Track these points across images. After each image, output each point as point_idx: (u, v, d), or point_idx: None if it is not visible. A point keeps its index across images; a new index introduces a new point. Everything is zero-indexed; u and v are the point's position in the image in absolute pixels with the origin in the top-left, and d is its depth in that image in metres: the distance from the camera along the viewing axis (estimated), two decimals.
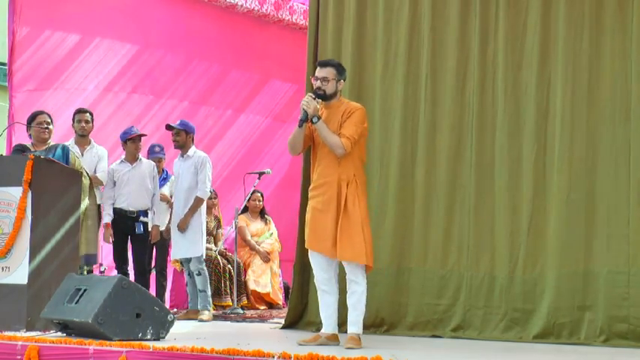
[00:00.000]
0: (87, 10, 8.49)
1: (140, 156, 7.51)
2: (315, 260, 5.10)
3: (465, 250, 5.78)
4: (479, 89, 5.86)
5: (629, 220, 5.31)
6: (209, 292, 7.33)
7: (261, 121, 10.16)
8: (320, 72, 5.11)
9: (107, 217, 7.26)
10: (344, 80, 5.19)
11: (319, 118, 4.99)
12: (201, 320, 7.03)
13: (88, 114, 7.27)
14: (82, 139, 7.18)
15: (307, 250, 6.29)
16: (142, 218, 7.35)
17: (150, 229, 7.41)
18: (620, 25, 5.45)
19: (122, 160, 7.44)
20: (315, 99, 5.01)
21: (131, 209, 7.30)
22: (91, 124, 7.26)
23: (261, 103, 10.13)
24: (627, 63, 5.40)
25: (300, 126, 5.02)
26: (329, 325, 5.04)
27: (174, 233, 7.34)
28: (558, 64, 5.61)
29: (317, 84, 5.08)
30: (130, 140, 7.40)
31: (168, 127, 7.42)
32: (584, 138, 5.50)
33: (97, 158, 7.19)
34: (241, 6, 9.69)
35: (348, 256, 4.95)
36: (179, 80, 9.35)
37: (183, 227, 7.19)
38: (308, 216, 5.15)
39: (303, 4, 10.08)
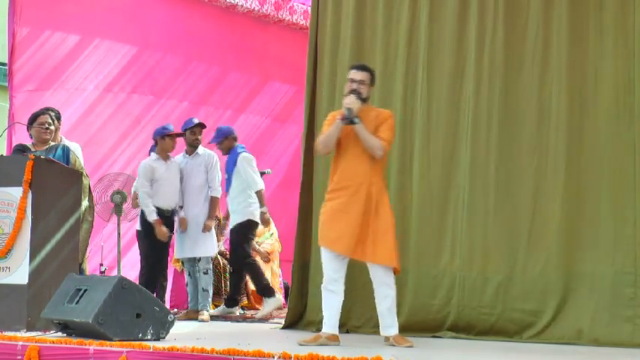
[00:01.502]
0: (87, 11, 8.49)
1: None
2: (329, 260, 5.08)
3: (464, 250, 5.77)
4: (475, 88, 5.86)
5: (635, 221, 5.31)
6: (211, 293, 7.35)
7: (261, 122, 10.16)
8: (357, 74, 5.16)
9: (154, 214, 7.14)
10: (373, 87, 5.29)
11: (360, 119, 5.03)
12: (202, 320, 7.03)
13: (50, 112, 7.17)
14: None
15: (307, 250, 6.32)
16: (174, 216, 7.37)
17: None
18: (622, 25, 5.46)
19: (157, 158, 7.34)
20: (358, 101, 5.05)
21: (168, 208, 7.27)
22: (56, 122, 7.16)
23: (261, 103, 10.13)
24: (630, 64, 5.41)
25: (347, 124, 5.02)
26: (331, 326, 5.04)
27: (183, 232, 7.34)
28: (561, 65, 5.62)
29: (354, 86, 5.12)
30: (169, 137, 7.31)
31: (199, 125, 7.44)
32: (589, 139, 5.50)
33: None
34: (241, 6, 9.68)
35: (386, 259, 5.00)
36: (179, 80, 9.35)
37: (209, 229, 7.24)
38: (325, 216, 5.12)
39: (304, 4, 10.09)
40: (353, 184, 5.05)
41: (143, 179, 7.22)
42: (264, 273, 7.76)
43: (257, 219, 7.71)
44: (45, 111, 6.99)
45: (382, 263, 5.01)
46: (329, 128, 5.11)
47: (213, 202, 7.36)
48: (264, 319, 7.35)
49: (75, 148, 7.19)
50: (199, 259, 7.31)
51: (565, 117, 5.59)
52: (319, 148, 5.17)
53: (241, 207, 7.58)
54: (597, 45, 5.54)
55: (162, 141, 7.33)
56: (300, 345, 4.85)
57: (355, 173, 5.06)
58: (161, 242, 7.25)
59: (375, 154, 5.04)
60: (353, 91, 5.09)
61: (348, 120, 5.01)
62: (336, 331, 5.05)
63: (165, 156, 7.35)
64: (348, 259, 5.08)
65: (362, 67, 5.26)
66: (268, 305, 7.49)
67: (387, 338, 5.06)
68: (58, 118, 7.19)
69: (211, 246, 7.38)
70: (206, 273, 7.28)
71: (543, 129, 5.66)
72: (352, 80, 5.15)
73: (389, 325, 5.05)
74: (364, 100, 5.13)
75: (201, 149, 7.44)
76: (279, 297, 7.85)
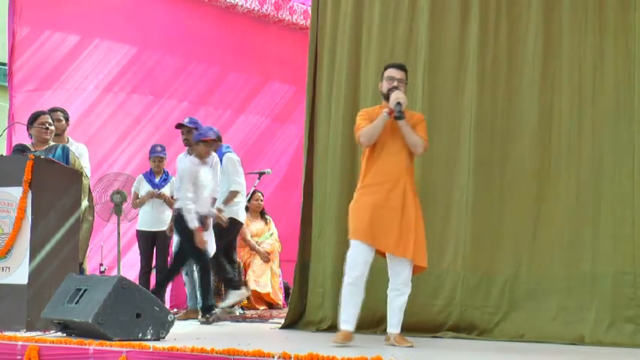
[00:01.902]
0: (87, 11, 8.51)
1: None
2: (363, 257, 4.99)
3: (467, 250, 5.75)
4: (478, 89, 5.85)
5: (634, 221, 5.31)
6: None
7: (260, 122, 10.17)
8: (397, 73, 5.16)
9: (196, 221, 6.82)
10: None
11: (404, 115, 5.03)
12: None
13: (59, 112, 7.15)
14: (57, 137, 7.10)
15: (307, 250, 6.31)
16: None
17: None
18: (623, 25, 5.46)
19: (199, 162, 7.02)
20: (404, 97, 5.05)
21: (204, 214, 7.05)
22: (63, 122, 7.09)
23: (261, 103, 10.15)
24: (631, 64, 5.41)
25: (397, 118, 5.00)
26: (354, 324, 4.98)
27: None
28: (562, 66, 5.62)
29: (394, 83, 5.10)
30: (204, 142, 6.99)
31: (179, 126, 7.38)
32: (589, 139, 5.50)
33: (78, 155, 7.13)
34: (241, 6, 9.70)
35: (421, 259, 5.01)
36: (179, 80, 9.36)
37: (207, 228, 7.19)
38: (363, 211, 5.02)
39: (303, 4, 10.09)
40: (390, 180, 5.02)
41: (188, 184, 6.87)
42: (226, 268, 7.69)
43: (240, 218, 7.68)
44: (52, 110, 7.03)
45: (421, 264, 5.03)
46: (368, 123, 5.06)
47: (212, 202, 7.35)
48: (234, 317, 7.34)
49: (82, 149, 7.20)
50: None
51: (566, 117, 5.59)
52: (362, 140, 5.09)
53: (226, 206, 7.57)
54: (597, 44, 5.54)
55: (197, 146, 7.02)
56: (334, 345, 4.74)
57: (392, 169, 5.04)
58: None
59: (416, 151, 5.08)
60: (396, 88, 5.07)
61: (399, 114, 4.99)
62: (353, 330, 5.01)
63: (203, 161, 7.05)
64: (374, 255, 5.03)
65: (401, 67, 5.25)
66: (232, 296, 7.44)
67: (387, 337, 5.05)
68: (67, 119, 7.19)
69: (211, 246, 7.36)
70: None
71: (545, 129, 5.65)
72: (392, 78, 5.13)
73: (396, 323, 5.04)
74: None
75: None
76: (244, 291, 7.78)
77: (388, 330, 5.06)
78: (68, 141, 7.16)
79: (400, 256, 4.98)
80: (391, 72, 5.18)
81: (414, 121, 5.13)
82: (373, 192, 5.04)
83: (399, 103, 4.99)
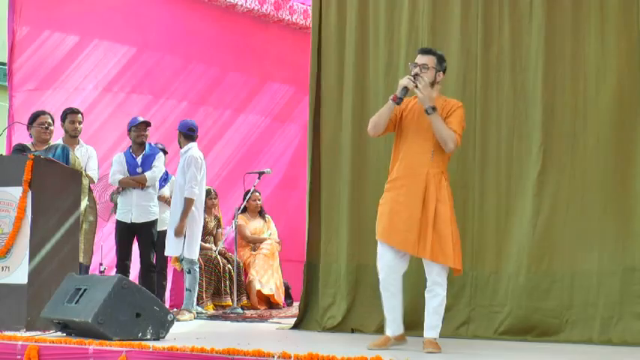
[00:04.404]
0: (86, 11, 8.49)
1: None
2: (387, 258, 4.83)
3: (473, 250, 5.74)
4: (482, 89, 5.84)
5: None
6: (195, 293, 7.27)
7: (260, 122, 10.16)
8: (420, 59, 4.94)
9: None
10: (443, 73, 5.00)
11: (434, 109, 4.78)
12: (178, 320, 6.91)
13: (80, 115, 7.23)
14: (72, 139, 7.14)
15: (315, 250, 6.27)
16: None
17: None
18: (625, 25, 5.45)
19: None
20: (414, 83, 4.79)
21: None
22: (82, 125, 7.23)
23: (261, 103, 10.13)
24: (634, 63, 5.40)
25: (398, 103, 4.81)
26: (396, 328, 4.88)
27: (168, 231, 7.31)
28: (565, 65, 5.60)
29: (416, 70, 4.87)
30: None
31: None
32: (595, 136, 5.47)
33: (87, 157, 7.15)
34: (241, 6, 9.68)
35: (440, 257, 4.74)
36: (178, 80, 9.35)
37: (180, 233, 7.13)
38: (385, 208, 4.88)
39: (303, 3, 10.09)
40: (412, 174, 4.81)
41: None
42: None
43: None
44: (74, 112, 7.05)
45: (437, 261, 4.74)
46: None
47: (185, 204, 7.15)
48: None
49: (91, 151, 7.25)
50: (182, 259, 7.29)
51: (570, 115, 5.56)
52: (368, 128, 4.95)
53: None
54: (600, 43, 5.52)
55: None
56: (370, 349, 4.65)
57: (414, 162, 4.83)
58: None
59: (446, 148, 4.78)
60: (415, 76, 4.84)
61: (399, 100, 4.80)
62: (402, 331, 4.90)
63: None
64: (408, 255, 4.87)
65: (426, 51, 5.01)
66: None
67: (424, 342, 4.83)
68: (79, 122, 7.22)
69: (176, 247, 7.19)
70: (189, 272, 7.20)
71: (549, 127, 5.62)
72: (414, 64, 4.92)
73: (428, 326, 4.79)
74: (431, 85, 4.87)
75: (184, 149, 7.31)
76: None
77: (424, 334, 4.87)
78: (79, 142, 7.19)
79: (419, 256, 4.80)
80: (417, 58, 4.96)
81: (446, 111, 4.88)
82: (396, 187, 4.87)
83: (404, 88, 4.80)
